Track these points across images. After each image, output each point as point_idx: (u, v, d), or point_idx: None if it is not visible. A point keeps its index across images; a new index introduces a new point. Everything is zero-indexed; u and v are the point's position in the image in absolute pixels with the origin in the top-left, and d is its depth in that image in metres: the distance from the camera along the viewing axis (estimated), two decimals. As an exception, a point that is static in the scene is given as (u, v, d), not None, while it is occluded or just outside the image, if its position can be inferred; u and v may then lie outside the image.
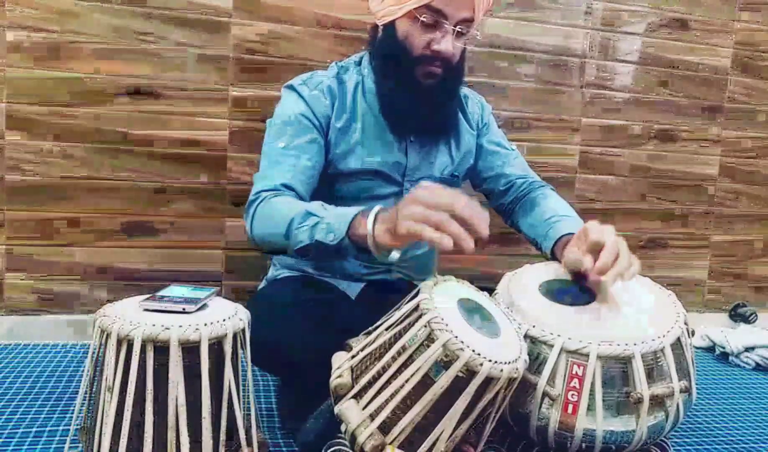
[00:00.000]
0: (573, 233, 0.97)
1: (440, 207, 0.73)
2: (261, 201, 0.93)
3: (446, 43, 0.98)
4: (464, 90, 1.19)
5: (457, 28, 0.99)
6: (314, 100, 1.04)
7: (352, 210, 0.83)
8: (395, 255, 0.79)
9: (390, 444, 0.70)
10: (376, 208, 0.81)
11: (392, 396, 0.71)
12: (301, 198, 0.96)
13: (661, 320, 0.86)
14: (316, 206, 0.87)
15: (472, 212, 0.74)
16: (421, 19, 0.97)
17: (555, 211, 1.06)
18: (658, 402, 0.81)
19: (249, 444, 0.77)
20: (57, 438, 0.97)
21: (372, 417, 0.71)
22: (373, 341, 0.77)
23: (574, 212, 1.09)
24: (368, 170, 1.07)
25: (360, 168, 1.06)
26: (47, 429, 1.00)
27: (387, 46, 1.03)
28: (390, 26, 1.02)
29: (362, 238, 0.80)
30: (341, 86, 1.07)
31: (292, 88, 1.07)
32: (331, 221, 0.84)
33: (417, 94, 1.02)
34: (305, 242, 0.85)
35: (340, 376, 0.76)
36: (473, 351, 0.68)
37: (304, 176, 0.99)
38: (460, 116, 1.15)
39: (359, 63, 1.11)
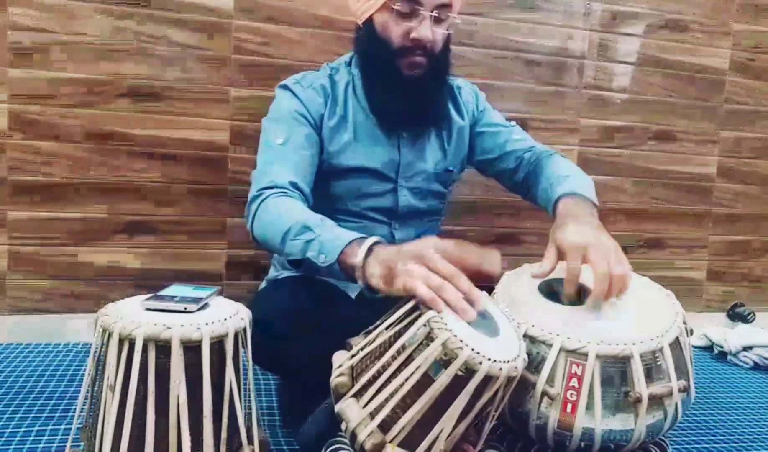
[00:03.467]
0: (567, 194, 0.95)
1: (442, 273, 0.72)
2: (264, 199, 0.92)
3: (424, 30, 0.98)
4: (457, 80, 1.19)
5: (435, 14, 0.99)
6: (308, 98, 1.05)
7: (347, 235, 0.82)
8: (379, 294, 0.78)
9: (390, 442, 0.70)
10: (370, 241, 0.79)
11: (392, 394, 0.71)
12: (305, 196, 0.96)
13: (659, 319, 0.86)
14: (315, 219, 0.86)
15: (472, 287, 0.73)
16: (396, 8, 0.98)
17: (557, 174, 1.04)
18: (656, 401, 0.81)
19: (250, 442, 0.78)
20: (58, 438, 0.97)
21: (372, 415, 0.72)
22: (373, 340, 0.77)
23: (577, 170, 1.07)
24: (361, 168, 1.07)
25: (353, 166, 1.07)
26: (49, 428, 1.00)
27: (367, 42, 1.04)
28: (369, 22, 1.03)
29: (351, 268, 0.79)
30: (333, 86, 1.08)
31: (285, 87, 1.07)
32: (325, 240, 0.82)
33: (403, 87, 1.02)
34: (297, 256, 0.85)
35: (340, 375, 0.76)
36: (472, 349, 0.68)
37: (306, 171, 1.00)
38: (452, 108, 1.15)
39: (349, 63, 1.12)
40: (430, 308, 0.71)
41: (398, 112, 1.05)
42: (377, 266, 0.76)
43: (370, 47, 1.04)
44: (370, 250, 0.78)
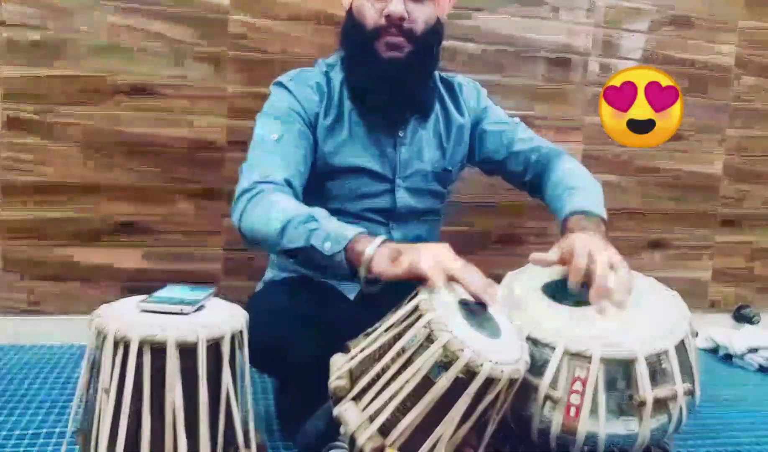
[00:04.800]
0: (576, 212, 0.95)
1: (453, 266, 0.74)
2: (258, 193, 0.91)
3: (394, 5, 0.97)
4: (457, 77, 1.18)
5: None
6: (303, 97, 1.04)
7: (354, 227, 0.83)
8: (377, 287, 0.79)
9: (390, 446, 0.69)
10: (382, 237, 0.81)
11: (392, 397, 0.70)
12: (296, 194, 0.96)
13: (664, 321, 0.85)
14: (321, 212, 0.86)
15: (485, 281, 0.76)
16: None
17: (564, 183, 1.04)
18: (661, 404, 0.80)
19: (247, 446, 0.77)
20: (54, 440, 0.96)
21: (371, 418, 0.71)
22: (373, 342, 0.76)
23: (586, 176, 1.07)
24: (357, 168, 1.06)
25: (349, 165, 1.05)
26: (43, 431, 0.99)
27: (347, 29, 1.04)
28: (350, 10, 1.03)
29: (358, 255, 0.79)
30: (329, 83, 1.07)
31: (281, 84, 1.06)
32: (332, 230, 0.82)
33: (381, 71, 1.01)
34: (299, 244, 0.84)
35: (339, 378, 0.75)
36: (474, 351, 0.67)
37: (299, 170, 0.99)
38: (452, 106, 1.14)
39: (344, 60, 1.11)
40: (432, 298, 0.70)
41: (376, 97, 1.03)
42: (386, 251, 0.78)
43: (349, 33, 1.04)
44: (383, 242, 0.80)
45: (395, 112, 1.07)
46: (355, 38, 1.02)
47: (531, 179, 1.15)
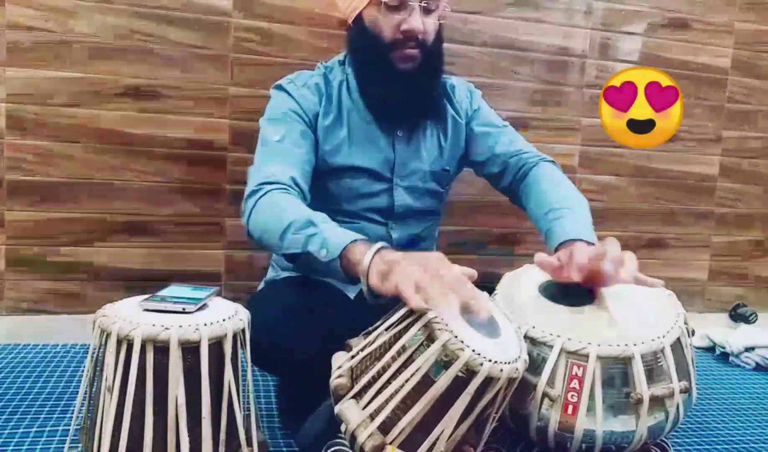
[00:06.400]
0: (571, 240, 0.92)
1: (442, 283, 0.71)
2: (264, 194, 0.92)
3: (414, 21, 0.99)
4: (451, 79, 1.19)
5: (423, 4, 0.99)
6: (303, 98, 1.05)
7: (352, 234, 0.82)
8: (382, 299, 0.77)
9: (390, 444, 0.70)
10: (379, 244, 0.79)
11: (392, 396, 0.70)
12: (303, 193, 0.96)
13: (660, 320, 0.86)
14: (319, 216, 0.86)
15: (476, 295, 0.73)
16: (385, 2, 0.98)
17: (551, 203, 1.02)
18: (658, 402, 0.81)
19: (249, 444, 0.77)
20: (57, 438, 0.97)
21: (372, 417, 0.71)
22: (373, 341, 0.77)
23: (571, 195, 1.04)
24: (356, 167, 1.07)
25: (347, 165, 1.06)
26: (47, 429, 1.00)
27: (359, 39, 1.04)
28: (358, 19, 1.03)
29: (354, 266, 0.78)
30: (328, 85, 1.08)
31: (280, 87, 1.08)
32: (329, 236, 0.82)
33: (398, 82, 1.02)
34: (297, 249, 0.84)
35: (340, 376, 0.76)
36: (473, 350, 0.68)
37: (304, 168, 1.00)
38: (448, 106, 1.15)
39: (343, 62, 1.12)
40: (429, 309, 0.70)
41: (395, 107, 1.05)
42: (380, 264, 0.76)
43: (363, 44, 1.04)
44: (378, 251, 0.78)
45: (412, 119, 1.08)
46: (371, 51, 1.02)
47: (509, 183, 1.13)
